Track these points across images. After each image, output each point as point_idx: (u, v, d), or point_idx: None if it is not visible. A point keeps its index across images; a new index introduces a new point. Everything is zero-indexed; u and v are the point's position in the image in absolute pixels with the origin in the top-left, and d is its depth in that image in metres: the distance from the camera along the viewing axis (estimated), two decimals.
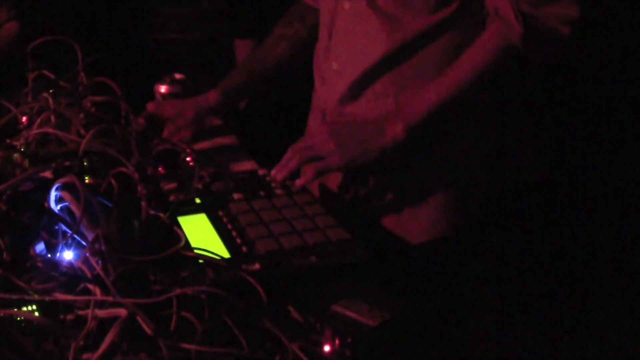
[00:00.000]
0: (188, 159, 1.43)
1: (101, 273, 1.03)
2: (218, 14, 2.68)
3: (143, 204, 1.22)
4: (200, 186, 1.35)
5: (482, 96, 1.45)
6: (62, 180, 1.17)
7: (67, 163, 1.29)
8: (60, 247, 1.16)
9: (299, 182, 1.41)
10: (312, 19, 1.72)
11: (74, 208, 1.14)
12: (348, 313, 1.02)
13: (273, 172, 1.45)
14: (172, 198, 1.31)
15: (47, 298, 1.02)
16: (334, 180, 1.56)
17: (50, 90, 1.64)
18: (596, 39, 1.48)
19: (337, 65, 1.53)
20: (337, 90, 1.52)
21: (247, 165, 1.62)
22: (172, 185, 1.36)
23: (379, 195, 1.51)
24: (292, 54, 1.74)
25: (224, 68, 2.53)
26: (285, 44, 1.74)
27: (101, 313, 0.97)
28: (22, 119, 1.53)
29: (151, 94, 1.83)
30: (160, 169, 1.44)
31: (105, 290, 1.03)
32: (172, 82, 1.76)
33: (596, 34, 1.40)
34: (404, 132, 1.39)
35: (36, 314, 1.02)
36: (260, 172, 1.45)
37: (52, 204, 1.17)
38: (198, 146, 1.71)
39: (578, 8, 1.30)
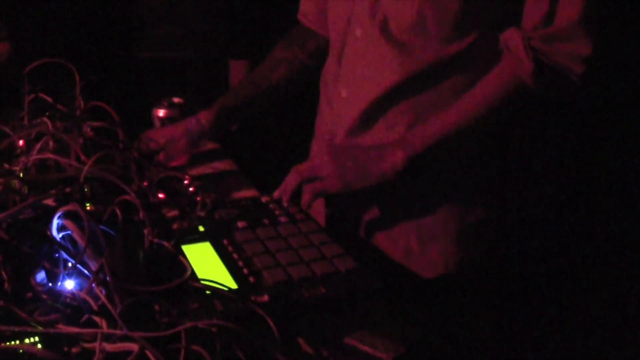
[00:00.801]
0: (190, 187, 1.41)
1: (108, 305, 1.00)
2: (211, 33, 2.66)
3: (147, 232, 1.20)
4: (203, 214, 1.33)
5: (488, 128, 1.44)
6: (65, 208, 1.15)
7: (68, 189, 1.27)
8: (61, 276, 1.13)
9: (302, 202, 1.39)
10: (313, 43, 1.71)
11: (77, 237, 1.12)
12: (362, 347, 1.00)
13: (275, 193, 1.44)
14: (175, 226, 1.29)
15: (52, 330, 0.99)
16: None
17: (47, 113, 1.62)
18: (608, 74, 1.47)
19: (346, 92, 1.51)
20: (346, 119, 1.51)
21: (247, 192, 1.60)
22: (174, 213, 1.34)
23: (385, 224, 1.49)
24: (290, 78, 1.73)
25: (217, 89, 2.53)
26: (285, 67, 1.72)
27: (110, 347, 0.94)
28: (19, 142, 1.50)
29: (146, 116, 1.82)
30: (160, 195, 1.42)
31: (111, 322, 1.00)
32: (170, 106, 1.75)
33: (608, 70, 1.38)
34: (404, 161, 1.37)
35: (39, 346, 0.99)
36: (263, 199, 1.43)
37: (54, 233, 1.15)
38: (195, 171, 1.69)
39: (592, 45, 1.27)
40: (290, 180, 1.42)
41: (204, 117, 1.69)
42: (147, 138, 1.65)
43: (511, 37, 1.32)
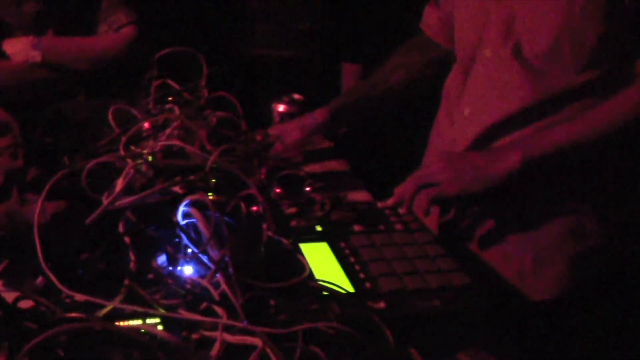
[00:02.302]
0: (308, 186, 1.43)
1: (231, 296, 1.03)
2: (323, 34, 2.68)
3: (265, 227, 1.22)
4: (320, 214, 1.35)
5: (610, 150, 1.41)
6: (193, 197, 1.18)
7: (192, 177, 1.30)
8: (181, 261, 1.16)
9: (414, 209, 1.40)
10: (434, 53, 1.71)
11: (202, 226, 1.15)
12: None
13: (390, 201, 1.44)
14: (293, 223, 1.31)
15: (174, 315, 1.02)
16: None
17: (170, 98, 1.67)
18: None
19: (469, 111, 1.50)
20: (466, 137, 1.50)
21: (360, 194, 1.61)
22: (292, 210, 1.36)
23: (500, 242, 1.48)
24: (408, 84, 1.73)
25: (329, 90, 2.55)
26: (404, 72, 1.73)
27: (231, 338, 0.96)
28: (144, 126, 1.54)
29: (262, 110, 1.84)
30: (277, 189, 1.44)
31: (231, 313, 1.03)
32: (290, 102, 1.77)
33: None
34: (521, 163, 1.34)
35: (159, 327, 1.02)
36: (379, 204, 1.43)
37: (180, 219, 1.18)
38: (309, 168, 1.71)
39: None
40: (407, 188, 1.42)
41: (320, 114, 1.71)
42: (266, 132, 1.68)
43: None
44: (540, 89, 1.38)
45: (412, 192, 1.40)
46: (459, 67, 1.55)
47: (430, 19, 1.74)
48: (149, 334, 0.99)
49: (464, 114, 1.51)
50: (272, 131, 1.71)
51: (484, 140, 1.47)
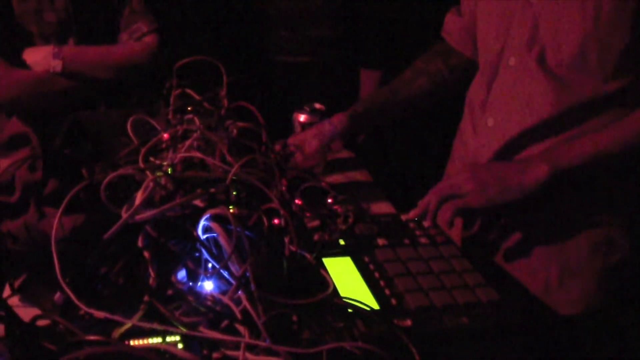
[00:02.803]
0: (330, 198, 1.40)
1: (253, 314, 1.00)
2: (341, 41, 2.65)
3: (287, 241, 1.20)
4: (344, 227, 1.32)
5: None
6: (214, 211, 1.15)
7: (213, 190, 1.28)
8: (201, 277, 1.14)
9: (438, 220, 1.37)
10: (455, 60, 1.69)
11: (223, 242, 1.12)
12: None
13: (412, 213, 1.41)
14: (316, 237, 1.28)
15: (195, 334, 0.99)
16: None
17: (189, 108, 1.65)
18: None
19: (493, 121, 1.47)
20: (491, 148, 1.47)
21: (384, 206, 1.58)
22: (314, 223, 1.33)
23: (526, 254, 1.45)
24: (430, 91, 1.70)
25: (349, 97, 2.53)
26: (426, 79, 1.70)
27: (254, 358, 0.94)
28: (164, 136, 1.52)
29: (283, 119, 1.82)
30: (297, 201, 1.42)
31: (253, 331, 1.00)
32: (311, 112, 1.74)
33: None
34: (549, 174, 1.31)
35: (179, 346, 1.00)
36: (403, 217, 1.40)
37: (200, 234, 1.16)
38: (330, 179, 1.68)
39: None
40: (431, 200, 1.39)
41: (338, 119, 1.68)
42: (285, 142, 1.66)
43: None
44: (565, 99, 1.35)
45: (435, 203, 1.37)
46: (482, 76, 1.52)
47: (451, 26, 1.71)
48: (169, 354, 0.97)
49: (487, 124, 1.49)
50: (291, 141, 1.68)
51: (508, 152, 1.44)
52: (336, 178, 1.72)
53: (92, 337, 0.93)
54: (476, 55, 1.59)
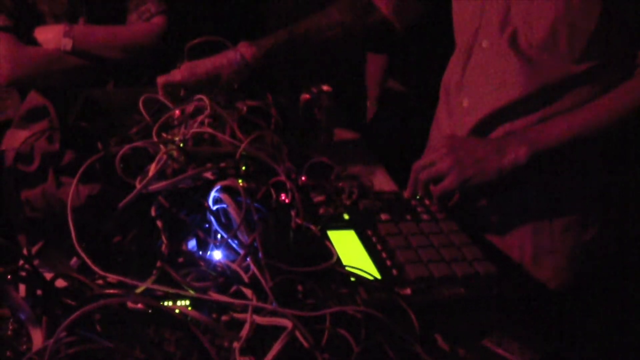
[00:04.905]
0: (335, 174, 1.45)
1: (261, 279, 1.05)
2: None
3: (294, 214, 1.25)
4: (348, 202, 1.37)
5: (613, 140, 1.41)
6: (224, 182, 1.20)
7: (223, 164, 1.32)
8: (211, 246, 1.19)
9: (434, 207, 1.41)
10: (372, 18, 1.71)
11: (232, 212, 1.17)
12: (499, 351, 1.01)
13: (406, 193, 1.46)
14: (321, 211, 1.33)
15: (205, 297, 1.04)
16: None
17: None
18: None
19: (467, 102, 1.50)
20: (464, 127, 1.50)
21: (387, 185, 1.63)
22: (320, 198, 1.38)
23: (502, 230, 1.50)
24: (343, 45, 1.72)
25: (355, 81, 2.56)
26: (340, 31, 1.70)
27: (261, 320, 0.99)
28: (175, 113, 1.57)
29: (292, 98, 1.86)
30: (303, 177, 1.46)
31: (260, 296, 1.05)
32: (319, 93, 1.78)
33: None
34: (527, 155, 1.35)
35: (189, 309, 1.04)
36: (405, 194, 1.45)
37: (211, 205, 1.20)
38: (335, 159, 1.72)
39: None
40: (414, 182, 1.45)
41: (246, 50, 1.65)
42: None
43: None
44: (536, 79, 1.39)
45: (421, 187, 1.43)
46: (458, 56, 1.55)
47: None
48: (182, 313, 1.01)
49: (463, 105, 1.52)
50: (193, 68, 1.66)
51: (481, 131, 1.47)
52: (341, 158, 1.76)
53: (109, 291, 0.98)
54: (394, 16, 1.63)
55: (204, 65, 1.65)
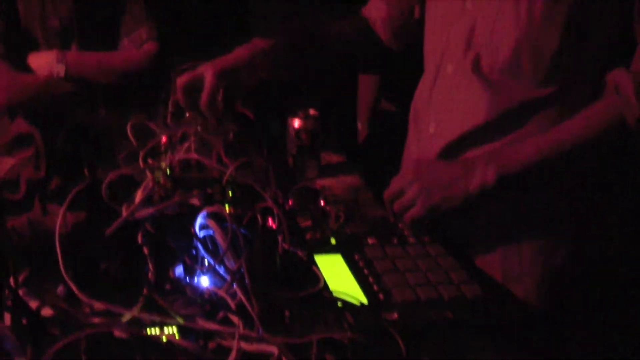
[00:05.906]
0: (322, 199, 1.45)
1: (247, 305, 1.05)
2: None
3: (281, 239, 1.25)
4: (335, 226, 1.37)
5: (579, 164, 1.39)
6: (210, 209, 1.20)
7: (210, 190, 1.33)
8: (197, 272, 1.19)
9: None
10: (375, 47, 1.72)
11: (219, 238, 1.17)
12: None
13: (391, 218, 1.45)
14: (308, 236, 1.33)
15: (192, 324, 1.04)
16: None
17: (187, 114, 1.69)
18: None
19: (434, 127, 1.49)
20: (431, 152, 1.49)
21: (374, 208, 1.63)
22: (307, 223, 1.38)
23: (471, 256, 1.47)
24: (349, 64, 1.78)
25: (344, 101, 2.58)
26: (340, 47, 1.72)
27: (248, 347, 0.99)
28: (162, 139, 1.57)
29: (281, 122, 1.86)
30: (290, 202, 1.47)
31: (247, 322, 1.05)
32: (305, 117, 1.78)
33: None
34: (495, 178, 1.33)
35: (176, 337, 1.04)
36: (392, 218, 1.45)
37: (197, 231, 1.21)
38: (323, 182, 1.73)
39: None
40: (389, 212, 1.45)
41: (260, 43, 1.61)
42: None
43: (621, 79, 1.27)
44: (500, 104, 1.38)
45: (395, 215, 1.43)
46: (424, 84, 1.55)
47: (377, 11, 1.70)
48: (169, 341, 1.01)
49: (429, 130, 1.51)
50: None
51: (447, 156, 1.46)
52: (329, 182, 1.77)
53: (94, 320, 0.98)
54: (393, 43, 1.65)
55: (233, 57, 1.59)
